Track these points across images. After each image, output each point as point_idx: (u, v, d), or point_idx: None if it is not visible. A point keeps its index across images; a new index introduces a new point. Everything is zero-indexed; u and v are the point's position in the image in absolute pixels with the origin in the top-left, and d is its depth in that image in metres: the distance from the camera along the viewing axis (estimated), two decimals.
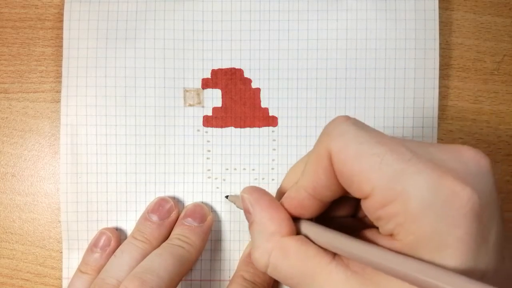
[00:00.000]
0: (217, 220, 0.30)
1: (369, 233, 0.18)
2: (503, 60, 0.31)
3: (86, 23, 0.30)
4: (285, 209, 0.20)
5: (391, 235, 0.16)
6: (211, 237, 0.30)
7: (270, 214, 0.19)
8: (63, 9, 0.30)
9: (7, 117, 0.31)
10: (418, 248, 0.15)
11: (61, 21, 0.30)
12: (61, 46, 0.30)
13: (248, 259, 0.28)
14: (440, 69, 0.30)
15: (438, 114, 0.30)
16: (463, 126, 0.31)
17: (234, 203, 0.28)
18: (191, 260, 0.27)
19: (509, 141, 0.31)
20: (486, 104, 0.31)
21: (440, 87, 0.30)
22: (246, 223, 0.30)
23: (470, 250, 0.15)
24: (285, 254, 0.18)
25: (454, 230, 0.15)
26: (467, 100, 0.31)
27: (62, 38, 0.30)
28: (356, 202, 0.21)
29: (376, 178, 0.16)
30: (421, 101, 0.30)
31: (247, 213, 0.21)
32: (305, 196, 0.19)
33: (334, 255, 0.18)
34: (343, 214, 0.22)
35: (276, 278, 0.19)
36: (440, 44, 0.30)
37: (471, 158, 0.17)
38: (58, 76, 0.31)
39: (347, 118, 0.18)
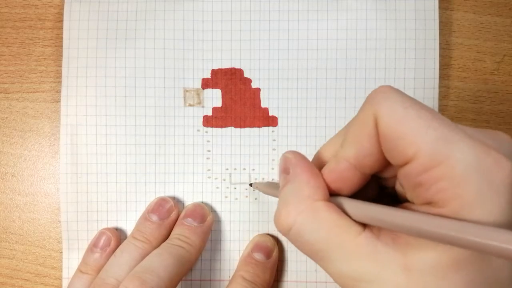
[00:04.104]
0: (217, 220, 0.30)
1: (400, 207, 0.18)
2: (503, 60, 0.31)
3: (86, 23, 0.30)
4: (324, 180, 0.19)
5: (429, 203, 0.16)
6: (211, 237, 0.30)
7: (308, 178, 0.19)
8: (63, 9, 0.30)
9: (7, 117, 0.31)
10: (461, 213, 0.15)
11: (61, 21, 0.30)
12: (61, 46, 0.30)
13: (248, 259, 0.28)
14: (440, 69, 0.30)
15: None
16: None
17: (259, 189, 0.28)
18: (191, 260, 0.27)
19: None
20: (486, 104, 0.31)
21: (440, 87, 0.30)
22: (246, 223, 0.30)
23: (511, 219, 0.15)
24: (315, 217, 0.18)
25: (498, 197, 0.15)
26: (467, 100, 0.31)
27: (62, 38, 0.30)
28: (377, 186, 0.21)
29: (422, 141, 0.16)
30: (421, 101, 0.29)
31: (284, 172, 0.20)
32: (346, 167, 0.18)
33: (364, 227, 0.18)
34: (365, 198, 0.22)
35: (297, 243, 0.19)
36: (440, 44, 0.30)
37: (505, 140, 0.17)
38: (58, 76, 0.31)
39: (390, 86, 0.18)
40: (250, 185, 0.30)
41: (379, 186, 0.21)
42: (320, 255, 0.18)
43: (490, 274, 0.15)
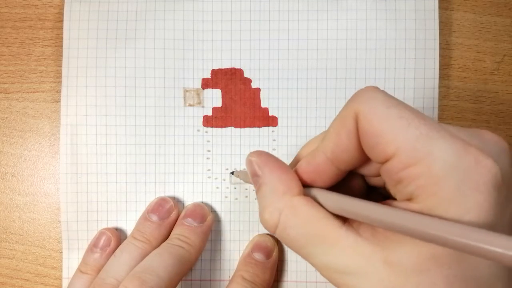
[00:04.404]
0: (217, 220, 0.30)
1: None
2: (503, 60, 0.31)
3: (86, 23, 0.30)
4: (299, 174, 0.20)
5: (409, 199, 0.16)
6: (211, 237, 0.30)
7: (279, 175, 0.19)
8: (63, 9, 0.30)
9: (7, 117, 0.31)
10: (437, 210, 0.15)
11: (61, 21, 0.30)
12: (61, 46, 0.30)
13: (248, 259, 0.28)
14: (440, 69, 0.30)
15: (438, 114, 0.30)
16: (463, 126, 0.31)
17: (240, 178, 0.28)
18: (191, 260, 0.27)
19: (509, 141, 0.31)
20: (486, 104, 0.31)
21: (440, 87, 0.30)
22: (246, 223, 0.30)
23: (488, 217, 0.15)
24: (296, 213, 0.18)
25: (476, 195, 0.15)
26: (467, 100, 0.31)
27: (62, 38, 0.30)
28: (364, 184, 0.21)
29: (402, 139, 0.16)
30: (421, 101, 0.30)
31: (255, 176, 0.20)
32: (322, 160, 0.19)
33: (344, 221, 0.18)
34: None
35: (284, 241, 0.19)
36: (440, 44, 0.30)
37: (490, 139, 0.17)
38: (58, 76, 0.31)
39: (376, 87, 0.18)
40: (232, 173, 0.30)
41: (371, 186, 0.21)
42: (305, 251, 0.18)
43: (470, 270, 0.15)
